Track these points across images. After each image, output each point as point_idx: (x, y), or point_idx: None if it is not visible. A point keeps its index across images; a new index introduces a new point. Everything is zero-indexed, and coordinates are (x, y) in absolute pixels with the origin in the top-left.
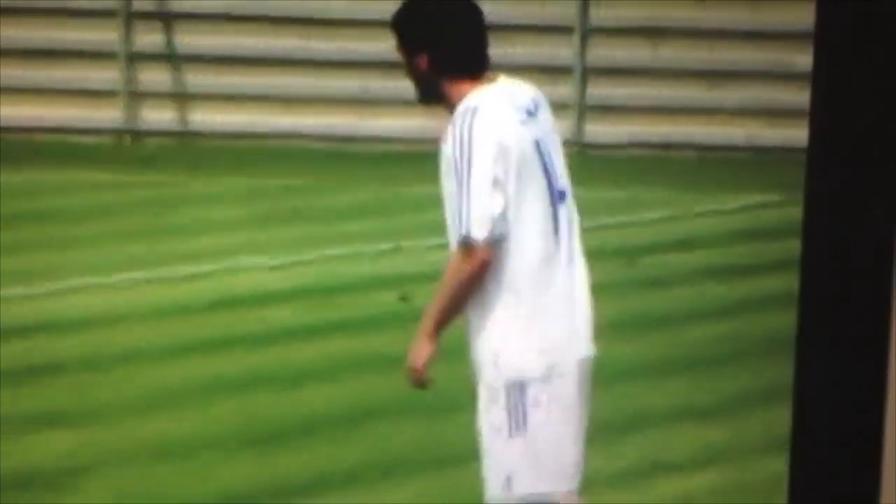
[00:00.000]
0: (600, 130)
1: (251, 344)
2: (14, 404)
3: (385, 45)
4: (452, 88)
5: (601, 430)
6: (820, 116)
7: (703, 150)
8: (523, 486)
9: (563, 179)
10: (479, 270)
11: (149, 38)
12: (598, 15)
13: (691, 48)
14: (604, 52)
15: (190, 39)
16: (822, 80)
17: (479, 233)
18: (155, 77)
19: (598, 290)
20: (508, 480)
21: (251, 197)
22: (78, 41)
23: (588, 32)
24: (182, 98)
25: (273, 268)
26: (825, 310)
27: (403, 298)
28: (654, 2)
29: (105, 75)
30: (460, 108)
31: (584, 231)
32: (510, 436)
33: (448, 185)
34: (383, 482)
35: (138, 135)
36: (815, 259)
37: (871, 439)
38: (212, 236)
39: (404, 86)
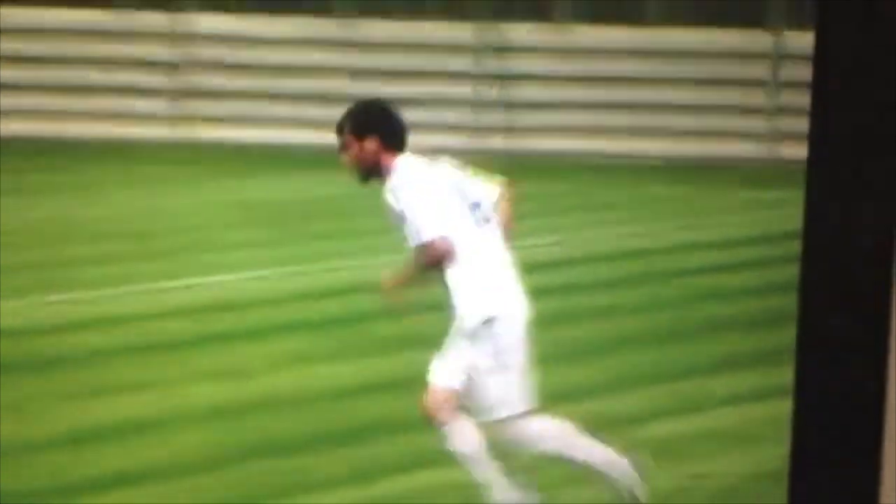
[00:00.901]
0: (792, 151)
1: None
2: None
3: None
4: (388, 161)
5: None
6: (820, 119)
7: None
8: (499, 411)
9: (478, 197)
10: (432, 259)
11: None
12: (787, 73)
13: None
14: (791, 98)
15: (515, 93)
16: (822, 83)
17: (429, 236)
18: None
19: (774, 261)
20: (490, 408)
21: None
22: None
23: (779, 85)
24: (511, 130)
25: (549, 244)
26: (825, 311)
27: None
28: None
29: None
30: (399, 166)
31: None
32: (487, 373)
33: (396, 216)
34: None
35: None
36: (814, 260)
37: (871, 440)
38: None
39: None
